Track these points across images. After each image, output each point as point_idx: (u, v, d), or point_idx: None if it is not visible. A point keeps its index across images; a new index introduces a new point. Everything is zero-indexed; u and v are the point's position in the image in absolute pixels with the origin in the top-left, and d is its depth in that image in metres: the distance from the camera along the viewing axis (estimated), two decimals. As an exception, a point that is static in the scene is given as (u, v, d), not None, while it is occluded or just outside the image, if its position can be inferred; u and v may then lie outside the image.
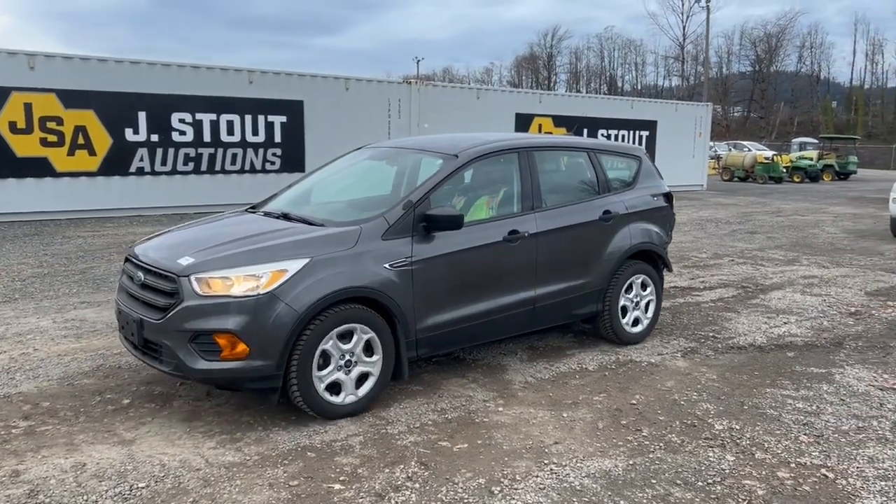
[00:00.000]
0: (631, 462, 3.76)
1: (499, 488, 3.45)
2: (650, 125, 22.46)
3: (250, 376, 3.99)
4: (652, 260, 6.03)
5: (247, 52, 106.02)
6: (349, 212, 5.07)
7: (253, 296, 3.94)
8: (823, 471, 3.70)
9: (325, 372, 4.15)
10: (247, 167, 14.98)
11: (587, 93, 68.98)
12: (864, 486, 3.55)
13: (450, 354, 5.40)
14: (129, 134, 13.53)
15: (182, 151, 14.14)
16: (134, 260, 4.49)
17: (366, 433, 4.06)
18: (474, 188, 5.25)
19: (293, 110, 15.40)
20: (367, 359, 4.32)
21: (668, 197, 6.29)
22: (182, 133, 14.09)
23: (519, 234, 5.03)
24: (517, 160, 5.28)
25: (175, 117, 13.96)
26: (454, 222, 4.54)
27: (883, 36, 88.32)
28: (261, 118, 14.99)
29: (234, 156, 14.78)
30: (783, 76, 71.03)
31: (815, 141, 37.90)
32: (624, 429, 4.20)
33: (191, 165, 14.29)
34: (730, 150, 35.61)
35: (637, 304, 5.91)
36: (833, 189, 25.90)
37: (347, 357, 4.23)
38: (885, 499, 3.42)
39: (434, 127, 17.44)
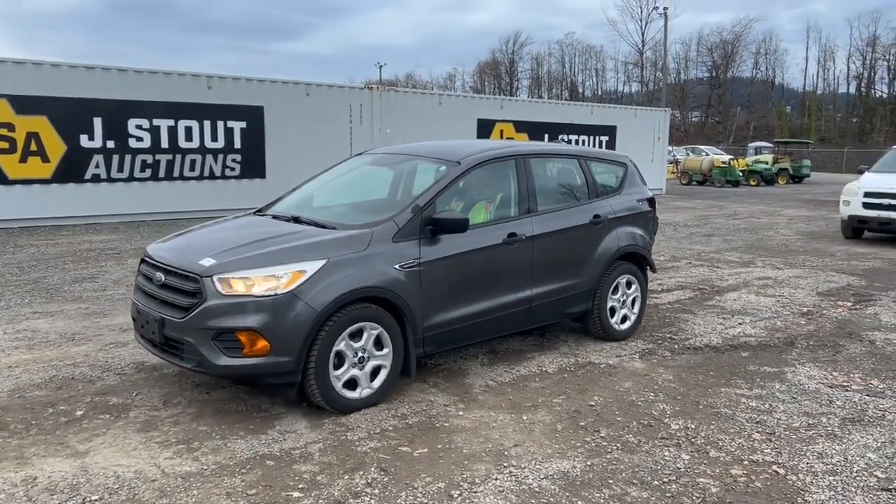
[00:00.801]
0: (589, 463, 3.81)
1: (458, 492, 3.46)
2: (610, 130, 22.77)
3: (271, 372, 4.16)
4: (637, 261, 6.32)
5: (207, 56, 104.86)
6: (358, 215, 5.22)
7: (274, 295, 4.13)
8: (775, 467, 3.79)
9: (340, 371, 4.36)
10: (206, 173, 14.79)
11: (549, 98, 69.64)
12: (814, 480, 3.65)
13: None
14: (84, 140, 13.26)
15: (139, 158, 13.91)
16: (151, 261, 4.66)
17: (325, 440, 4.04)
18: (474, 193, 5.43)
19: (253, 116, 15.27)
20: (378, 353, 4.53)
21: (651, 202, 6.60)
22: (139, 139, 13.86)
23: (517, 236, 5.26)
24: (514, 166, 5.53)
25: (132, 123, 13.73)
26: (460, 225, 4.77)
27: (834, 43, 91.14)
28: (220, 124, 14.83)
29: (193, 162, 14.58)
30: (739, 82, 72.59)
31: (771, 145, 38.74)
32: (582, 430, 4.25)
33: (148, 172, 14.06)
34: (688, 154, 36.26)
35: (624, 302, 6.19)
36: (787, 192, 26.53)
37: (360, 354, 4.44)
38: (832, 493, 3.52)
39: (396, 133, 17.44)
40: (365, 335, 4.44)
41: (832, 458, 3.92)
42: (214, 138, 14.78)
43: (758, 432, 4.25)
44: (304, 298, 4.17)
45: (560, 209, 5.75)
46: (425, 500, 3.38)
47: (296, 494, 3.42)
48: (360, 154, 6.36)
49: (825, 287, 8.59)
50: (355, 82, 28.15)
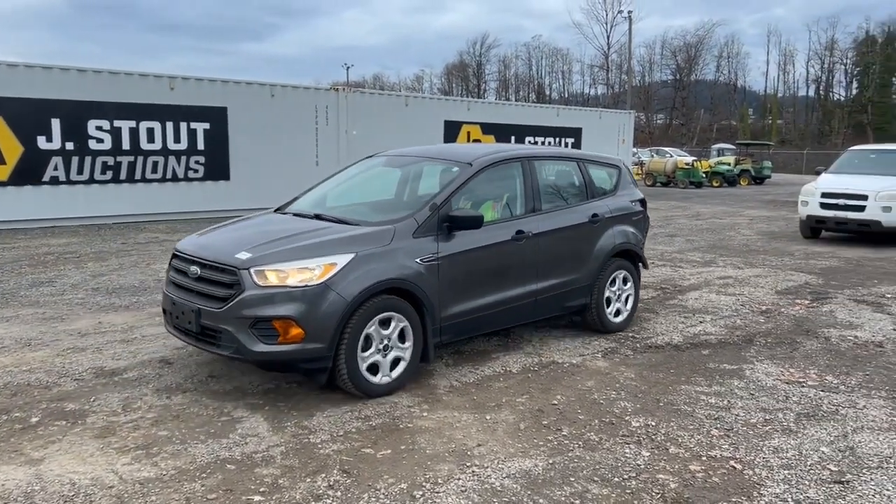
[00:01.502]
0: (551, 461, 3.84)
1: (420, 492, 3.47)
2: (575, 132, 22.98)
3: (304, 357, 4.46)
4: (631, 258, 6.68)
5: (173, 57, 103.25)
6: (377, 213, 5.52)
7: (308, 286, 4.43)
8: (732, 462, 3.86)
9: (366, 354, 4.64)
10: (168, 175, 14.59)
11: (516, 100, 70.00)
12: (769, 475, 3.72)
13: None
14: (41, 142, 13.00)
15: (99, 160, 13.67)
16: (184, 255, 4.95)
17: (287, 443, 4.01)
18: (484, 192, 5.71)
19: (217, 117, 15.11)
20: (401, 344, 4.83)
21: (642, 202, 6.98)
22: (99, 141, 13.63)
23: (524, 233, 5.61)
24: (520, 168, 5.88)
25: (92, 124, 13.50)
26: (475, 222, 5.11)
27: (794, 47, 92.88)
28: (183, 125, 14.65)
29: (155, 164, 14.38)
30: (702, 84, 73.78)
31: (733, 147, 39.45)
32: (545, 429, 4.28)
33: (109, 174, 13.83)
34: (652, 156, 36.71)
35: (619, 297, 6.55)
36: (749, 193, 27.02)
37: (385, 342, 4.73)
38: (787, 486, 3.59)
39: (363, 134, 17.39)
40: (392, 324, 4.75)
41: (787, 452, 4.00)
42: (177, 140, 14.59)
43: (716, 428, 4.32)
44: (336, 289, 4.47)
45: (562, 208, 6.12)
46: (387, 502, 3.38)
47: (257, 498, 3.40)
48: (371, 156, 6.63)
49: (784, 286, 8.77)
50: (322, 84, 27.98)
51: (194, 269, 4.78)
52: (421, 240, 4.95)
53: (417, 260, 4.87)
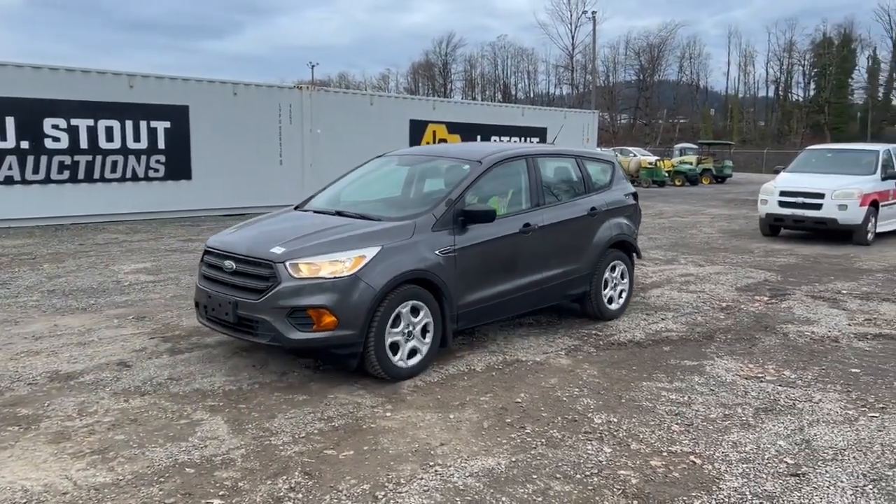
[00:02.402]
0: (514, 459, 3.85)
1: (383, 493, 3.45)
2: (540, 132, 23.10)
3: (337, 343, 4.78)
4: (626, 249, 7.10)
5: (134, 55, 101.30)
6: (398, 209, 5.81)
7: (340, 277, 4.75)
8: (692, 457, 3.91)
9: (393, 339, 4.97)
10: (128, 175, 14.31)
11: (483, 100, 70.18)
12: (728, 469, 3.77)
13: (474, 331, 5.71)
14: (-5, 140, 12.65)
15: (56, 159, 13.35)
16: (217, 251, 5.24)
17: (248, 445, 3.96)
18: (493, 188, 6.02)
19: (178, 116, 14.86)
20: (421, 337, 5.16)
21: (635, 196, 7.39)
22: (56, 139, 13.31)
23: (531, 226, 5.95)
24: (525, 164, 6.21)
25: (48, 123, 13.18)
26: (489, 216, 5.46)
27: (753, 48, 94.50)
28: (143, 124, 14.38)
29: (115, 163, 14.10)
30: (666, 85, 74.76)
31: (695, 146, 40.04)
32: (508, 427, 4.28)
33: (66, 174, 13.52)
34: (616, 155, 37.06)
35: (615, 285, 6.96)
36: (711, 192, 27.46)
37: (410, 328, 5.06)
38: (745, 480, 3.65)
39: (327, 133, 17.28)
40: (417, 312, 5.09)
41: (746, 446, 4.06)
42: (137, 139, 14.32)
43: (677, 424, 4.37)
44: (366, 279, 4.79)
45: (563, 203, 6.50)
46: (349, 503, 3.35)
47: (216, 502, 3.34)
48: (381, 156, 6.94)
49: (744, 283, 8.92)
50: (287, 82, 27.72)
51: (229, 263, 5.06)
52: (439, 233, 5.28)
53: (436, 252, 5.20)
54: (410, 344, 5.10)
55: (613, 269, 6.89)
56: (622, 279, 7.03)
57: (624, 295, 7.07)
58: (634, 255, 7.28)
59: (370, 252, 4.88)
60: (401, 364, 5.02)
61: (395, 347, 4.99)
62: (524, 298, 6.00)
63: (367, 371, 4.96)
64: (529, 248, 5.96)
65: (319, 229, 5.22)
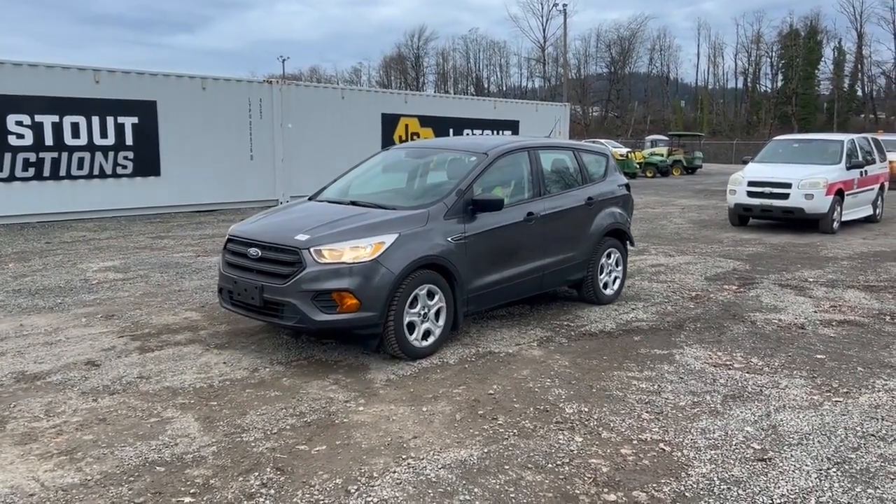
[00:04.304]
0: (486, 450, 3.87)
1: (355, 487, 3.45)
2: (513, 125, 23.14)
3: (360, 325, 5.08)
4: (620, 237, 7.44)
5: (100, 50, 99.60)
6: (410, 199, 6.07)
7: (361, 262, 5.03)
8: (661, 445, 3.97)
9: (410, 321, 5.27)
10: (96, 171, 14.04)
11: (455, 93, 70.09)
12: (697, 455, 3.83)
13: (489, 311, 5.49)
14: (-44, 138, 12.36)
15: (20, 156, 13.06)
16: (241, 239, 5.52)
17: (220, 443, 3.93)
18: (498, 178, 6.29)
19: (146, 111, 14.61)
20: (436, 317, 5.47)
21: (627, 186, 7.76)
22: (20, 136, 13.01)
23: (534, 215, 6.26)
24: (527, 156, 6.52)
25: (11, 119, 12.88)
26: (497, 205, 5.79)
27: (722, 40, 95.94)
28: (110, 119, 14.10)
29: (81, 160, 13.82)
30: (636, 77, 75.30)
31: (666, 138, 40.39)
32: (481, 419, 4.31)
33: (31, 171, 13.22)
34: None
35: (611, 271, 7.32)
36: (681, 183, 27.75)
37: (426, 311, 5.38)
38: (713, 466, 3.71)
39: (298, 128, 17.14)
40: (436, 296, 5.41)
41: (714, 433, 4.13)
42: (104, 135, 14.06)
43: (647, 412, 4.43)
44: (385, 264, 5.08)
45: (562, 193, 6.79)
46: (322, 498, 3.35)
47: (187, 500, 3.32)
48: (389, 148, 7.41)
49: (713, 272, 9.04)
50: (257, 77, 27.45)
51: (254, 250, 5.33)
52: (450, 221, 5.57)
53: (449, 239, 5.50)
54: (426, 325, 5.39)
55: (609, 256, 7.22)
56: (616, 266, 7.36)
57: (618, 281, 7.38)
58: (628, 242, 7.58)
59: (389, 239, 5.17)
60: (417, 344, 5.33)
61: (411, 328, 5.29)
62: (528, 283, 6.31)
63: (385, 351, 5.30)
64: (533, 236, 6.27)
65: (339, 218, 5.51)
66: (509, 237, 6.05)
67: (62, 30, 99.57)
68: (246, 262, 5.39)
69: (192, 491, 3.40)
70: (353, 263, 5.02)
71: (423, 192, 6.32)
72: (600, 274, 7.11)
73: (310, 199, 6.53)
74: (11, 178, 13.03)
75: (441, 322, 5.50)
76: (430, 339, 5.45)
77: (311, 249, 5.04)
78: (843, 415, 4.41)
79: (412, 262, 5.19)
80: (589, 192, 7.03)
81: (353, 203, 5.97)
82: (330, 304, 5.00)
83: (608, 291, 7.24)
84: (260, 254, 5.30)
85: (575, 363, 5.37)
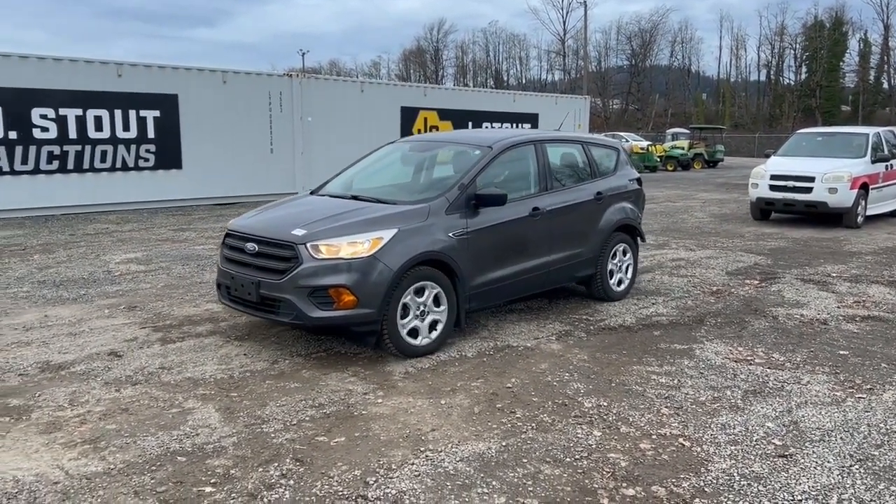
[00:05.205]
0: (504, 443, 3.87)
1: (374, 478, 3.47)
2: (532, 118, 23.06)
3: (357, 321, 4.98)
4: (630, 232, 7.26)
5: (121, 43, 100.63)
6: (412, 193, 5.98)
7: (359, 258, 4.93)
8: (681, 440, 3.94)
9: (406, 320, 5.15)
10: (118, 165, 14.22)
11: (474, 86, 69.93)
12: (716, 451, 3.81)
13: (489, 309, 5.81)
14: (-18, 131, 12.55)
15: (45, 149, 13.26)
16: (239, 234, 5.42)
17: (240, 433, 3.97)
18: (502, 173, 6.16)
19: (167, 104, 14.76)
20: (437, 309, 5.33)
21: (639, 181, 7.53)
22: (44, 129, 13.21)
23: (539, 210, 6.12)
24: (533, 150, 6.36)
25: (36, 113, 13.08)
26: (500, 200, 5.61)
27: (745, 32, 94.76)
28: (132, 113, 14.28)
29: (104, 153, 14.01)
30: (657, 70, 74.69)
31: (687, 131, 40.02)
32: (499, 412, 4.31)
33: (56, 164, 13.43)
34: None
35: (620, 267, 7.15)
36: (702, 176, 27.50)
37: (423, 307, 5.24)
38: (733, 461, 3.68)
39: (318, 121, 17.20)
40: (436, 292, 5.28)
41: (734, 428, 4.10)
42: (126, 128, 14.22)
43: (666, 407, 4.40)
44: (383, 260, 4.97)
45: (570, 188, 6.66)
46: (341, 489, 3.37)
47: (208, 489, 3.36)
48: (393, 142, 7.17)
49: (734, 266, 8.96)
50: (277, 70, 27.56)
51: (251, 245, 5.24)
52: (452, 216, 5.44)
53: (450, 234, 5.38)
54: (424, 323, 5.27)
55: (619, 252, 7.07)
56: (627, 262, 7.20)
57: (629, 277, 7.24)
58: (639, 238, 7.41)
59: (387, 234, 5.06)
60: (415, 342, 5.22)
61: (409, 325, 5.18)
62: (533, 280, 6.19)
63: (383, 348, 5.19)
64: (538, 232, 6.12)
65: (338, 212, 5.39)
66: (513, 233, 5.92)
67: (83, 24, 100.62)
68: (243, 256, 5.31)
69: (212, 481, 3.44)
70: (351, 259, 4.92)
71: (425, 186, 6.23)
72: (610, 270, 6.97)
73: (312, 192, 6.46)
74: (36, 170, 13.22)
75: (442, 319, 5.37)
76: (430, 337, 5.31)
77: (308, 245, 4.95)
78: (867, 411, 4.36)
79: (411, 259, 5.08)
80: (598, 186, 6.88)
81: (355, 197, 5.83)
82: (327, 300, 4.90)
83: (618, 288, 7.09)
84: (257, 249, 5.22)
85: (594, 357, 5.35)
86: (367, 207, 5.50)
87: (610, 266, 6.96)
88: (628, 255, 7.22)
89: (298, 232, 5.05)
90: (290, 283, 4.92)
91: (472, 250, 5.51)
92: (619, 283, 7.12)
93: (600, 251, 6.81)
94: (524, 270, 6.02)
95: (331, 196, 6.08)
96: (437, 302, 5.34)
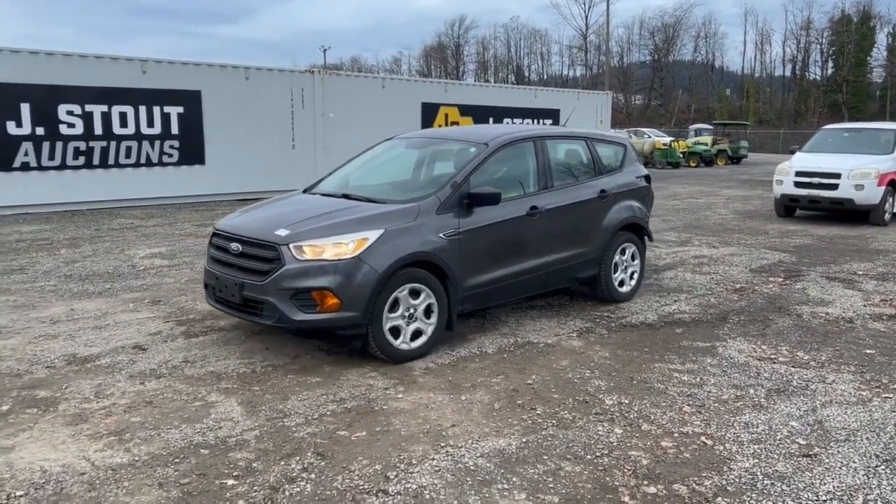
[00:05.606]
0: (524, 440, 3.87)
1: (394, 473, 3.48)
2: (553, 113, 22.93)
3: (341, 325, 4.83)
4: (637, 231, 7.04)
5: (146, 41, 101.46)
6: (403, 192, 5.83)
7: (343, 259, 4.78)
8: (703, 438, 3.91)
9: (394, 323, 5.00)
10: (142, 160, 14.38)
11: (495, 82, 69.74)
12: (739, 449, 3.77)
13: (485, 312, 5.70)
14: (11, 127, 12.74)
15: (71, 145, 13.43)
16: (224, 233, 5.30)
17: (262, 427, 4.00)
18: (499, 170, 5.98)
19: (190, 101, 14.88)
20: (425, 318, 5.17)
21: (647, 178, 7.31)
22: (71, 126, 13.38)
23: (538, 209, 5.93)
24: (533, 147, 6.19)
25: (62, 109, 13.24)
26: (493, 198, 5.42)
27: (770, 27, 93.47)
28: (156, 109, 14.41)
29: (129, 149, 14.16)
30: (680, 65, 73.95)
31: (710, 127, 39.60)
32: (519, 408, 4.30)
33: (82, 159, 13.60)
34: (630, 137, 36.78)
35: (626, 268, 6.92)
36: (726, 173, 27.21)
37: (413, 311, 5.09)
38: (756, 460, 3.65)
39: (339, 117, 17.26)
40: (419, 295, 5.10)
41: (757, 427, 4.06)
42: (150, 124, 14.37)
43: (688, 405, 4.37)
44: (368, 262, 4.81)
45: (572, 185, 6.44)
46: (361, 483, 3.39)
47: (230, 482, 3.39)
48: (391, 139, 6.95)
49: (758, 264, 8.86)
50: (299, 66, 27.69)
51: (235, 245, 5.13)
52: (443, 216, 5.27)
53: (441, 235, 5.21)
54: (413, 326, 5.11)
55: (624, 252, 6.84)
56: (633, 262, 6.98)
57: (635, 277, 7.02)
58: (646, 237, 7.21)
59: (373, 235, 4.91)
60: (402, 346, 5.06)
61: (396, 330, 5.03)
62: (531, 281, 6.01)
63: (369, 352, 5.00)
64: (536, 231, 5.93)
65: (324, 212, 5.25)
66: (510, 233, 5.73)
67: (109, 21, 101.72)
68: (228, 257, 5.19)
69: (235, 474, 3.47)
70: (334, 261, 4.77)
71: (417, 184, 6.06)
72: (614, 271, 6.73)
73: (304, 191, 6.28)
74: (63, 166, 13.40)
75: (432, 322, 5.19)
76: (419, 341, 5.14)
77: (291, 245, 4.81)
78: (894, 411, 4.30)
79: (398, 260, 4.91)
80: (602, 184, 6.65)
81: (345, 196, 5.66)
82: (310, 302, 4.76)
83: (623, 289, 6.85)
84: (241, 249, 5.09)
85: (615, 354, 5.32)
86: (355, 207, 5.35)
87: (615, 267, 6.75)
88: (635, 256, 6.99)
89: (282, 232, 4.93)
90: (273, 284, 4.78)
91: (465, 251, 5.34)
92: (624, 283, 6.90)
93: (604, 251, 6.59)
94: (522, 271, 5.84)
95: (322, 195, 5.93)
96: (427, 307, 5.17)
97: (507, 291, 5.86)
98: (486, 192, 5.41)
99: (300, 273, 4.76)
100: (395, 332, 5.03)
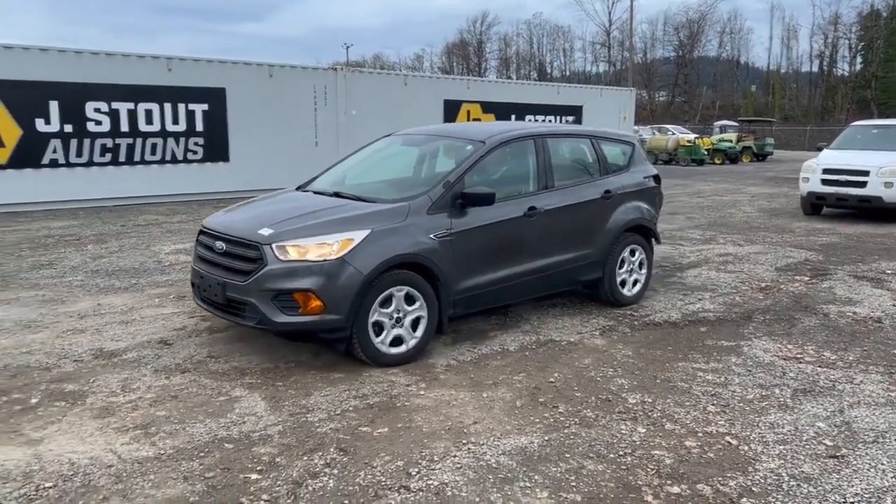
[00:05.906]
0: (547, 438, 3.86)
1: (416, 469, 3.49)
2: (576, 110, 22.82)
3: (324, 328, 4.69)
4: (644, 233, 6.81)
5: (170, 38, 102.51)
6: (394, 191, 5.69)
7: (327, 260, 4.63)
8: (728, 438, 3.88)
9: (380, 326, 4.85)
10: (168, 157, 14.54)
11: (518, 79, 69.53)
12: (764, 450, 3.73)
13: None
14: (40, 125, 12.96)
15: (98, 142, 13.63)
16: (210, 231, 5.18)
17: (285, 422, 4.03)
18: (497, 169, 5.84)
19: (215, 98, 15.02)
20: (413, 327, 5.01)
21: (656, 178, 7.09)
22: (98, 123, 13.57)
23: (536, 209, 5.73)
24: (533, 145, 5.99)
25: (90, 106, 13.44)
26: (487, 199, 5.24)
27: (797, 22, 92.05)
28: (181, 106, 14.57)
29: (154, 146, 14.33)
30: (705, 61, 73.14)
31: (735, 124, 39.16)
32: (541, 406, 4.29)
33: (108, 156, 13.79)
34: (654, 133, 36.51)
35: (631, 271, 6.67)
36: (751, 170, 26.89)
37: (399, 315, 4.93)
38: (782, 461, 3.61)
39: (362, 114, 17.30)
40: (412, 298, 4.96)
41: (783, 427, 4.01)
42: (176, 121, 14.53)
43: (713, 405, 4.33)
44: (353, 263, 4.66)
45: (574, 185, 6.22)
46: (383, 479, 3.40)
47: (254, 476, 3.42)
48: (389, 135, 6.81)
49: (783, 262, 8.75)
50: (322, 64, 27.80)
51: (220, 244, 5.02)
52: (435, 216, 5.11)
53: (431, 236, 5.03)
54: (399, 331, 4.94)
55: (629, 254, 6.60)
56: (639, 265, 6.72)
57: (641, 281, 6.76)
58: (653, 240, 6.97)
59: (359, 235, 4.75)
60: (388, 350, 4.90)
61: (381, 333, 4.86)
62: (529, 284, 5.82)
63: (354, 355, 4.89)
64: (535, 233, 5.74)
65: (310, 210, 5.12)
66: (506, 234, 5.53)
67: (134, 19, 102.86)
68: (213, 256, 5.07)
69: (258, 468, 3.50)
70: (318, 262, 4.62)
71: (409, 183, 5.92)
72: (619, 273, 6.50)
73: (298, 188, 6.17)
74: (90, 163, 13.60)
75: (421, 326, 5.02)
76: (406, 346, 4.97)
77: (274, 245, 4.66)
78: (923, 413, 4.23)
79: (384, 262, 4.74)
80: (607, 183, 6.41)
81: (336, 194, 5.54)
82: (292, 304, 4.61)
83: (628, 292, 6.59)
84: (225, 248, 4.97)
85: (638, 353, 5.29)
86: (343, 206, 5.19)
87: (619, 271, 6.50)
88: (640, 258, 6.72)
89: (265, 231, 4.79)
90: (255, 285, 4.65)
91: (457, 253, 5.15)
92: (629, 286, 6.64)
93: (608, 253, 6.34)
94: (519, 274, 5.64)
95: (314, 192, 5.81)
96: (412, 305, 5.00)
97: (505, 294, 5.68)
98: (479, 192, 5.22)
99: (283, 274, 4.61)
100: (381, 335, 4.87)
